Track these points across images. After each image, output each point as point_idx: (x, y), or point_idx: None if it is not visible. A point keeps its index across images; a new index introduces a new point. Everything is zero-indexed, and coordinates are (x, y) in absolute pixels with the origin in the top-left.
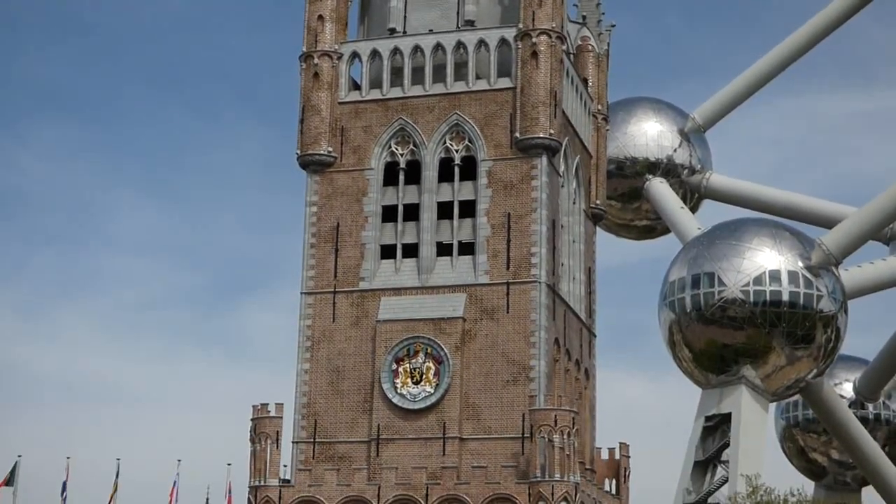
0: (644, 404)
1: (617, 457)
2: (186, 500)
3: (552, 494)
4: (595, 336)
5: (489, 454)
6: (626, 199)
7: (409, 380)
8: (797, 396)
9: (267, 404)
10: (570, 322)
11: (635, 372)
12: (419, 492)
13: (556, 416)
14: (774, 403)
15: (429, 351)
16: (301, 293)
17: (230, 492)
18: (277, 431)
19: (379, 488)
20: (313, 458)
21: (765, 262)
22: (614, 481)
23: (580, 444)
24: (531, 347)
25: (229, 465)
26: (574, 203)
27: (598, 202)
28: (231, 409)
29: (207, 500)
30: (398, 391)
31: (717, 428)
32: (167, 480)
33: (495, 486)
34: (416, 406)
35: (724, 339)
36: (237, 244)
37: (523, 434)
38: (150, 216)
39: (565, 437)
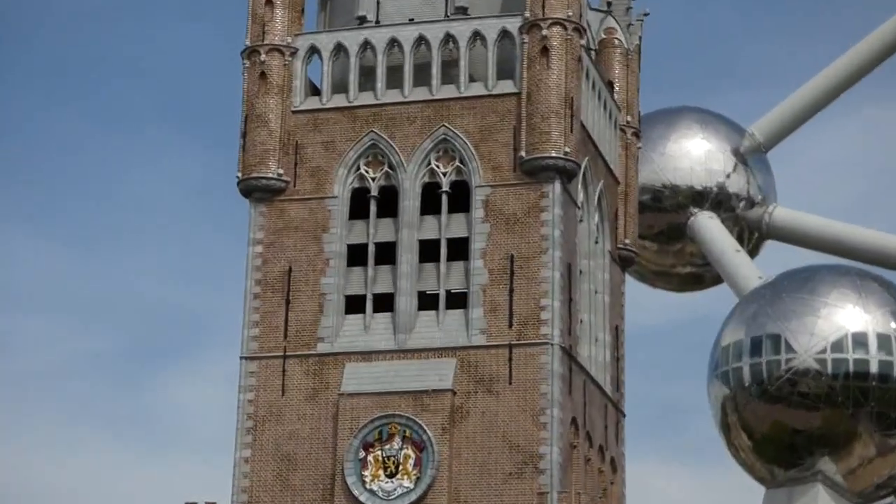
0: None
1: None
2: None
3: None
4: (624, 415)
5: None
6: (664, 239)
7: (381, 472)
8: (890, 499)
9: None
10: (591, 397)
11: (675, 464)
12: None
13: None
14: None
15: (407, 434)
16: (241, 358)
17: None
18: None
19: None
20: None
21: (847, 322)
22: None
23: None
24: (541, 430)
25: None
26: (596, 243)
27: (627, 241)
28: None
29: None
30: (367, 486)
31: None
32: None
33: None
34: None
35: (794, 422)
36: (159, 295)
37: None
38: (45, 261)
39: None
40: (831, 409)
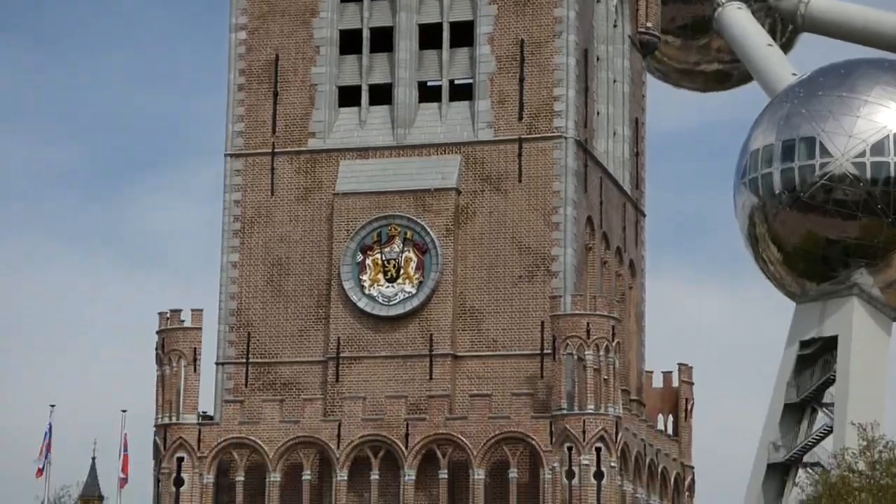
0: (711, 323)
1: (675, 383)
2: (65, 458)
3: (583, 433)
4: (644, 216)
5: (494, 378)
6: (688, 32)
7: (381, 276)
8: None
9: (179, 311)
10: (608, 195)
11: (699, 277)
12: (396, 430)
13: (588, 324)
14: None
15: (408, 236)
16: (225, 156)
17: (125, 448)
18: (195, 349)
19: (339, 426)
20: (246, 385)
21: (888, 121)
22: (671, 417)
23: (623, 366)
24: (553, 230)
25: (124, 412)
26: (615, 26)
27: (649, 25)
28: (126, 334)
29: (94, 459)
30: (366, 292)
31: (817, 357)
32: (36, 433)
33: (503, 421)
34: (392, 312)
35: (828, 232)
36: (129, 96)
37: (542, 350)
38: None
39: (602, 353)
40: (869, 218)
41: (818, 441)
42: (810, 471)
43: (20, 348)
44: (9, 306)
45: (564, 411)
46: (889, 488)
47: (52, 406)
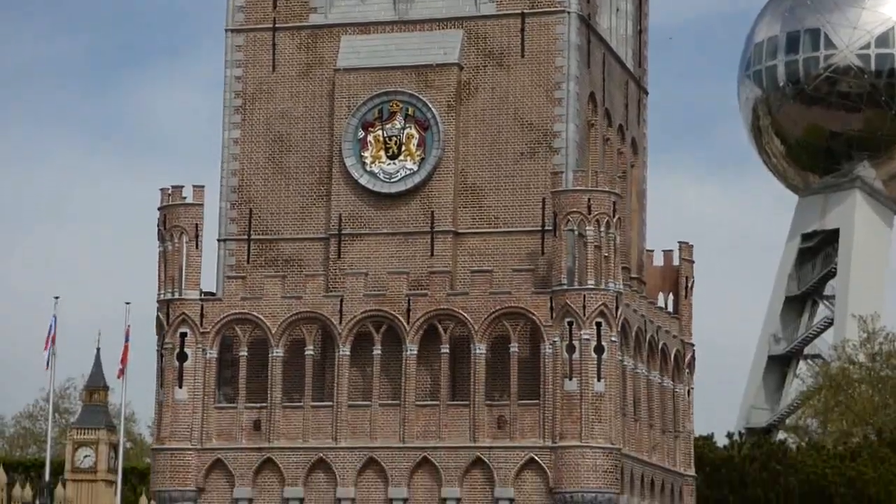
0: (711, 214)
1: (675, 262)
2: (69, 349)
3: (583, 308)
4: (647, 93)
5: (495, 254)
6: None
7: (382, 152)
8: None
9: (181, 187)
10: (611, 71)
11: (701, 170)
12: (397, 306)
13: (590, 200)
14: None
15: (410, 112)
16: (226, 31)
17: (128, 338)
18: (197, 225)
19: (341, 301)
20: (248, 261)
21: (894, 13)
22: (671, 295)
23: (624, 243)
24: (555, 106)
25: (128, 304)
26: None
27: None
28: (130, 225)
29: (98, 350)
30: (367, 168)
31: (818, 250)
32: (41, 324)
33: (504, 297)
34: (393, 189)
35: (831, 124)
36: None
37: (543, 226)
38: None
39: (603, 229)
40: (873, 110)
41: (819, 333)
42: (811, 362)
43: (24, 240)
44: (12, 199)
45: (565, 287)
46: (889, 379)
47: (57, 298)
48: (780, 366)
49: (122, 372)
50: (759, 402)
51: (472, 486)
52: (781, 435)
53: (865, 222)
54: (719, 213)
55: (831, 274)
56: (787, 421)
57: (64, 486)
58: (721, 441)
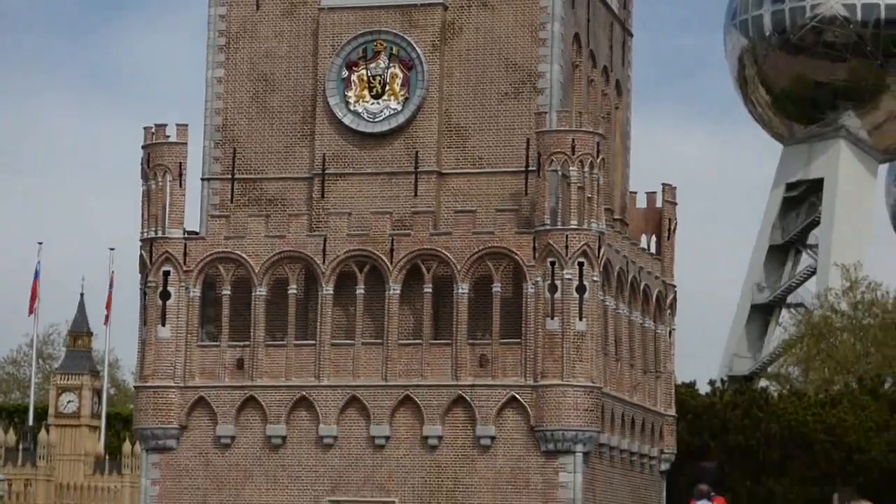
0: (696, 163)
1: (658, 204)
2: (53, 295)
3: (566, 248)
4: (631, 35)
5: (479, 195)
6: None
7: (366, 92)
8: None
9: (164, 126)
10: (596, 12)
11: (685, 119)
12: (381, 245)
13: (573, 140)
14: (885, 166)
15: (394, 52)
16: None
17: (112, 285)
18: (180, 164)
19: (325, 241)
20: (232, 200)
21: None
22: (654, 237)
23: (607, 185)
24: (539, 46)
25: (112, 250)
26: None
27: None
28: (114, 172)
29: (82, 296)
30: (351, 108)
31: (802, 200)
32: (25, 270)
33: (487, 237)
34: (377, 129)
35: (817, 74)
36: None
37: (527, 167)
38: None
39: (586, 170)
40: (859, 60)
41: (802, 282)
42: (793, 311)
43: (6, 186)
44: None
45: (548, 227)
46: (870, 328)
47: (40, 243)
48: (762, 314)
49: (107, 319)
50: (741, 351)
51: (454, 424)
52: (763, 383)
53: (849, 172)
54: (703, 162)
55: (815, 223)
56: (770, 369)
57: (47, 430)
58: (703, 388)
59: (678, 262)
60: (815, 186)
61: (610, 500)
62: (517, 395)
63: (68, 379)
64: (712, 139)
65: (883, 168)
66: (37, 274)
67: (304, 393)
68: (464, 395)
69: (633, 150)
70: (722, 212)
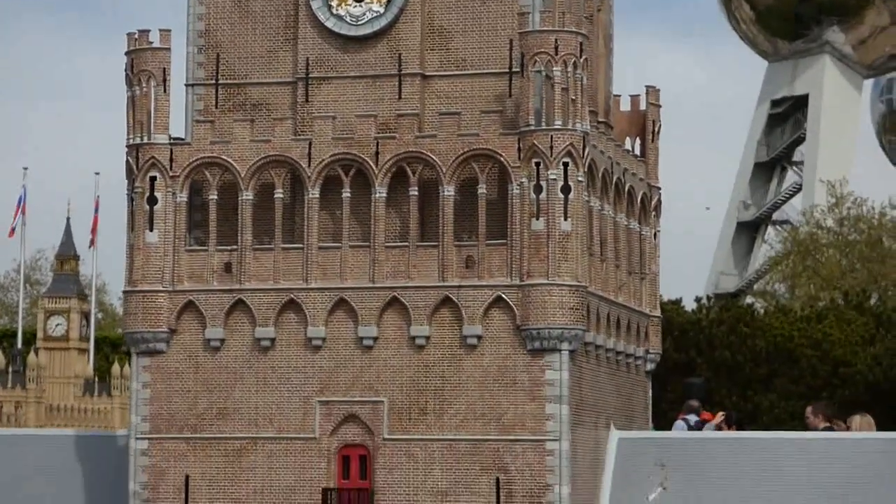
0: (678, 82)
1: (642, 106)
2: (39, 221)
3: (551, 149)
4: None
5: (463, 96)
6: None
7: None
8: None
9: (147, 31)
10: None
11: (667, 35)
12: (366, 148)
13: (556, 41)
14: (870, 81)
15: None
16: None
17: (97, 209)
18: (164, 69)
19: (310, 145)
20: (216, 105)
21: None
22: (638, 140)
23: (591, 87)
24: None
25: (97, 174)
26: None
27: None
28: (98, 90)
29: (68, 220)
30: (333, 11)
31: (788, 116)
32: (11, 196)
33: (472, 139)
34: (360, 32)
35: None
36: None
37: (511, 68)
38: None
39: (570, 70)
40: None
41: (787, 199)
42: (779, 228)
43: None
44: None
45: (532, 127)
46: (856, 244)
47: (25, 169)
48: (748, 232)
49: (93, 242)
50: (727, 268)
51: (441, 324)
52: (749, 300)
53: (834, 87)
54: (687, 80)
55: (800, 139)
56: (756, 286)
57: (36, 353)
58: (689, 306)
59: (662, 168)
60: (801, 103)
61: (596, 398)
62: (503, 295)
63: (56, 302)
64: (695, 56)
65: (868, 83)
66: (21, 199)
67: (292, 296)
68: (450, 295)
69: (617, 58)
70: (706, 129)
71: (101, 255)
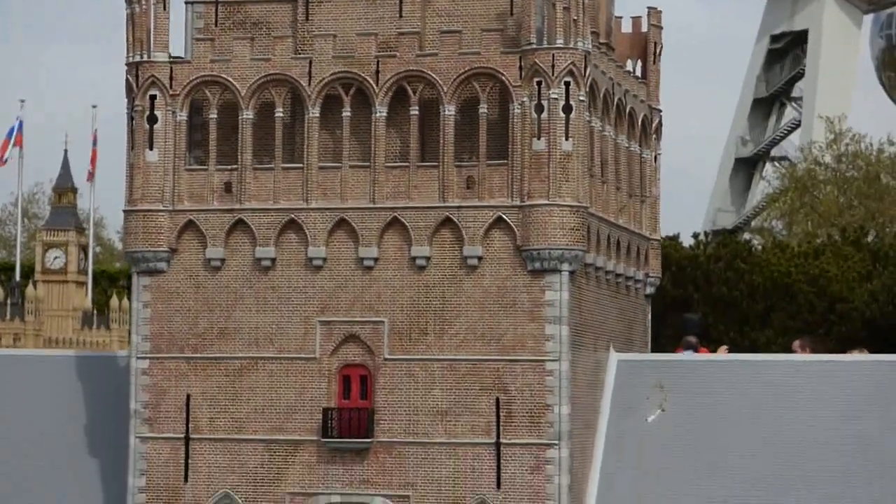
0: (678, 18)
1: (644, 28)
2: (37, 151)
3: (552, 67)
4: None
5: (464, 15)
6: None
7: None
8: None
9: None
10: None
11: None
12: (366, 67)
13: None
14: (870, 16)
15: None
16: None
17: (95, 142)
18: None
19: (310, 63)
20: (216, 24)
21: None
22: (639, 62)
23: (592, 6)
24: None
25: (94, 107)
26: None
27: None
28: (96, 28)
29: (66, 152)
30: None
31: (787, 52)
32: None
33: (473, 57)
34: None
35: None
36: None
37: None
38: None
39: None
40: None
41: (786, 135)
42: (777, 164)
43: None
44: None
45: (534, 46)
46: (854, 180)
47: (22, 101)
48: (746, 168)
49: (91, 175)
50: (725, 205)
51: (442, 244)
52: (747, 236)
53: (834, 23)
54: (686, 15)
55: (799, 75)
56: (753, 223)
57: (35, 286)
58: (687, 242)
59: (663, 90)
60: (800, 38)
61: (596, 320)
62: (504, 216)
63: (54, 235)
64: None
65: (868, 18)
66: (13, 130)
67: (292, 216)
68: (451, 216)
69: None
70: (705, 64)
71: (98, 189)
